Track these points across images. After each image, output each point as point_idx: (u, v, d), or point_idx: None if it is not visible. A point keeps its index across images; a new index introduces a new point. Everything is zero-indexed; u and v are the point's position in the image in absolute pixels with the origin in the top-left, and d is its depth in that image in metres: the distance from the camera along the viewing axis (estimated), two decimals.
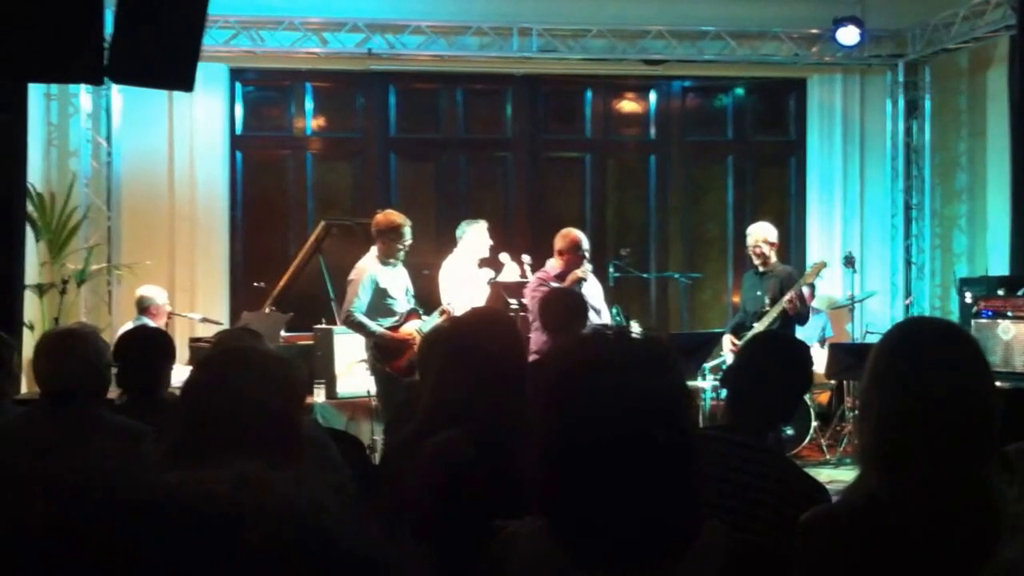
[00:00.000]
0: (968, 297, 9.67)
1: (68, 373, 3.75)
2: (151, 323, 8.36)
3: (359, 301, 7.83)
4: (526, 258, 8.54)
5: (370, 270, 7.92)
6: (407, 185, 11.65)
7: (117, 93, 10.42)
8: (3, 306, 7.25)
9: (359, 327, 7.87)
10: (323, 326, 8.87)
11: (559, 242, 8.19)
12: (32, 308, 9.11)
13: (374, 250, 8.01)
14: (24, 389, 6.49)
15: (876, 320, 10.80)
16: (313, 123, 11.60)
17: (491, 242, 8.82)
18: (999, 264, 10.62)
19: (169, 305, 9.25)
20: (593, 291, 8.12)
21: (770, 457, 3.17)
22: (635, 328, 7.19)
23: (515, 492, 2.04)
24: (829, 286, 10.98)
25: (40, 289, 9.37)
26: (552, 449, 1.89)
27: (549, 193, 11.96)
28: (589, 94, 11.95)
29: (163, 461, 2.51)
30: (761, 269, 8.86)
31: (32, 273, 9.20)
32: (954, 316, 10.15)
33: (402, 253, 8.01)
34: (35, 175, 9.39)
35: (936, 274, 11.92)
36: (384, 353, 7.83)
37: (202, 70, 7.43)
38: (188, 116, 10.69)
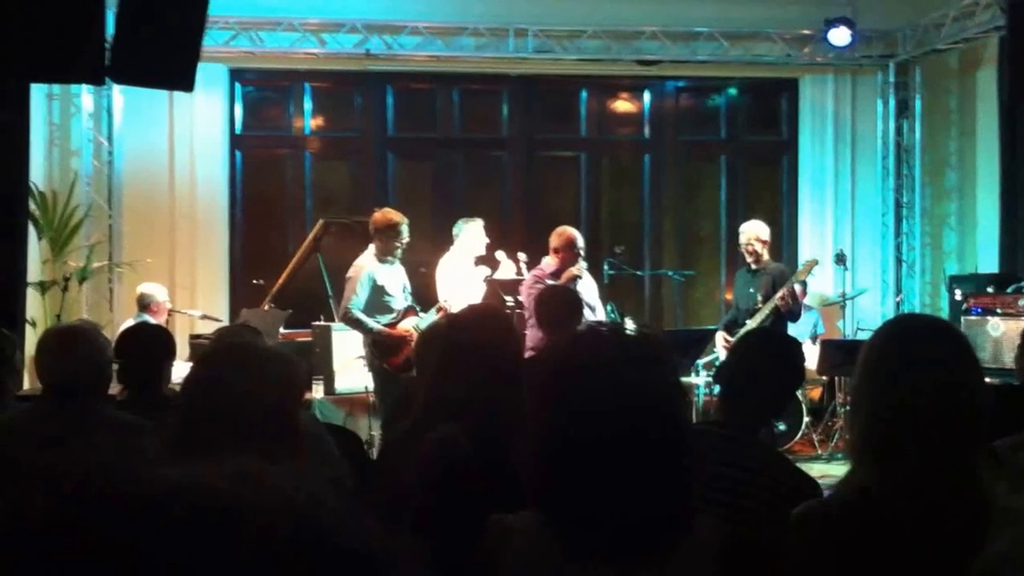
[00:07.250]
0: (958, 294, 9.73)
1: (70, 369, 3.68)
2: (152, 320, 8.35)
3: (357, 298, 7.85)
4: (522, 256, 8.60)
5: (368, 268, 7.94)
6: (404, 184, 11.67)
7: (118, 93, 10.43)
8: (6, 303, 7.22)
9: (357, 324, 7.90)
10: (321, 323, 8.88)
11: (554, 240, 8.20)
12: (34, 305, 9.09)
13: (372, 248, 8.03)
14: (26, 385, 6.47)
15: (867, 317, 10.81)
16: (311, 123, 11.62)
17: (487, 240, 8.83)
18: (988, 262, 10.68)
19: (169, 302, 9.21)
20: (588, 288, 8.15)
21: (762, 452, 3.17)
22: (629, 325, 7.24)
23: (511, 486, 2.07)
24: (821, 283, 10.99)
25: (42, 286, 9.35)
26: (547, 444, 1.93)
27: (544, 192, 12.00)
28: (584, 94, 11.98)
29: (163, 456, 2.55)
30: (754, 267, 8.87)
31: (34, 271, 9.19)
32: (944, 313, 10.20)
33: (399, 251, 8.03)
34: (37, 174, 9.36)
35: (926, 271, 11.93)
36: (382, 349, 7.86)
37: (202, 70, 7.46)
38: (188, 116, 10.69)
